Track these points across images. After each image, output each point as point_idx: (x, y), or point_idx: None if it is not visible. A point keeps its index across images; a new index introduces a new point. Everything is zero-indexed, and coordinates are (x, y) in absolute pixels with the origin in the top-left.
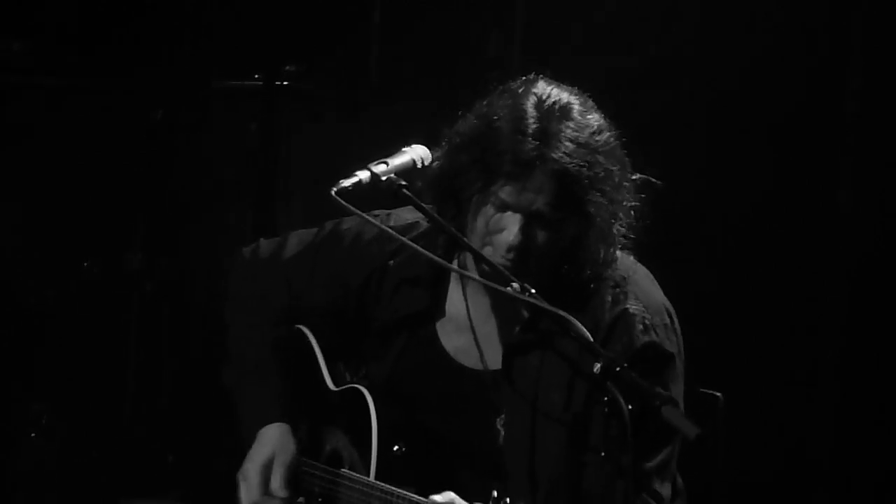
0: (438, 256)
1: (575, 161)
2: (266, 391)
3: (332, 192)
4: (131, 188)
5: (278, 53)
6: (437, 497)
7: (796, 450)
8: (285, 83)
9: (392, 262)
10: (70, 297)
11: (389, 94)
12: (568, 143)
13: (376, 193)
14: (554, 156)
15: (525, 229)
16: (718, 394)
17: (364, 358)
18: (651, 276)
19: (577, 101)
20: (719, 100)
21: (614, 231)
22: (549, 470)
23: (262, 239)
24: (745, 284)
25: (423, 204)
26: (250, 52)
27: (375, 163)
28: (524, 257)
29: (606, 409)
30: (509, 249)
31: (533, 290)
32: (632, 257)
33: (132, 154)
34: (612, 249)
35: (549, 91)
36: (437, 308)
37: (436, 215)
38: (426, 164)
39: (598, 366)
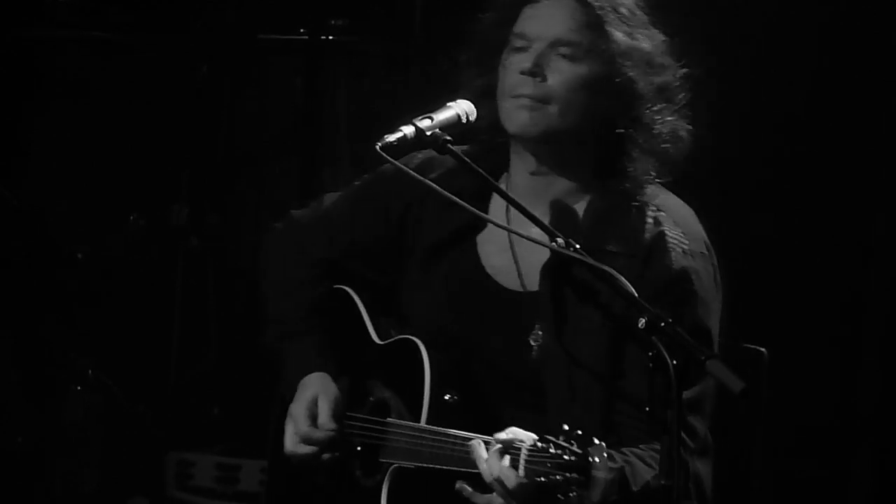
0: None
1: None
2: (306, 346)
3: (377, 147)
4: (177, 143)
5: (324, 8)
6: (500, 434)
7: (840, 406)
8: (331, 38)
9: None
10: (116, 250)
11: (435, 49)
12: None
13: (421, 148)
14: None
15: (540, 57)
16: (763, 349)
17: (407, 311)
18: (694, 214)
19: None
20: (770, 46)
21: (642, 88)
22: (585, 386)
23: (291, 210)
24: (791, 238)
25: (466, 159)
26: (296, 6)
27: (420, 117)
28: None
29: (651, 365)
30: (522, 72)
31: (577, 246)
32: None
33: (178, 109)
34: (644, 104)
35: None
36: (479, 221)
37: (479, 169)
38: (471, 118)
39: (642, 321)
